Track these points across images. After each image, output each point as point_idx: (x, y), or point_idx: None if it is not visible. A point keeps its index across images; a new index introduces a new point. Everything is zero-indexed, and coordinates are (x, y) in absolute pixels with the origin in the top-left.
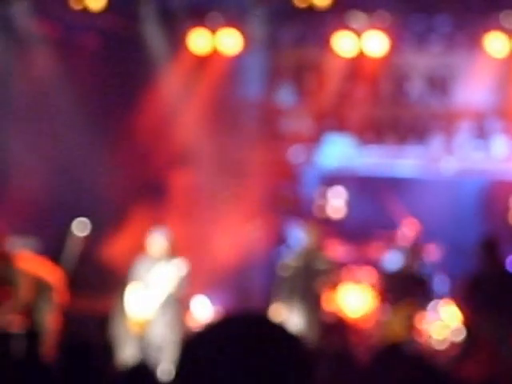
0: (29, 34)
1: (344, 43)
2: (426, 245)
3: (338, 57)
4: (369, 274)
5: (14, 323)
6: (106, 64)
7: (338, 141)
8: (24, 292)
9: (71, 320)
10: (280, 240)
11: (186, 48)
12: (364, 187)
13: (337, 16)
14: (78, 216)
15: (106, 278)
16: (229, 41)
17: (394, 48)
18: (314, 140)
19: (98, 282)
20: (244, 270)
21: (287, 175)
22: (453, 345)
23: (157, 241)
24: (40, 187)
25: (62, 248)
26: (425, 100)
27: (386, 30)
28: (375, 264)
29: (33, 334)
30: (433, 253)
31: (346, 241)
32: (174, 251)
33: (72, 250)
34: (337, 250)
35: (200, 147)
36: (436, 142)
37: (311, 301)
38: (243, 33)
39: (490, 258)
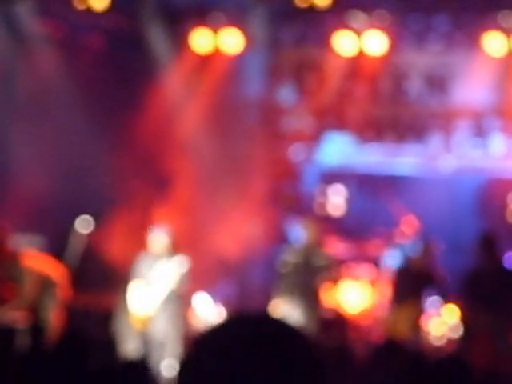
0: (32, 34)
1: (344, 42)
2: (434, 242)
3: (338, 56)
4: (368, 271)
5: (19, 319)
6: (110, 63)
7: (337, 139)
8: (29, 289)
9: (74, 316)
10: (281, 237)
11: (188, 47)
12: (363, 185)
13: (337, 16)
14: (81, 213)
15: (108, 275)
16: (230, 40)
17: (394, 47)
18: (314, 138)
19: (100, 278)
20: (245, 266)
21: (288, 173)
22: (450, 341)
23: (158, 238)
24: (43, 185)
25: (65, 245)
26: (424, 99)
27: (385, 29)
28: (374, 261)
29: (37, 330)
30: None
31: (345, 238)
32: (175, 248)
33: (75, 247)
34: (336, 247)
35: (202, 145)
36: (435, 141)
37: (310, 297)
38: (245, 32)
39: (487, 255)
